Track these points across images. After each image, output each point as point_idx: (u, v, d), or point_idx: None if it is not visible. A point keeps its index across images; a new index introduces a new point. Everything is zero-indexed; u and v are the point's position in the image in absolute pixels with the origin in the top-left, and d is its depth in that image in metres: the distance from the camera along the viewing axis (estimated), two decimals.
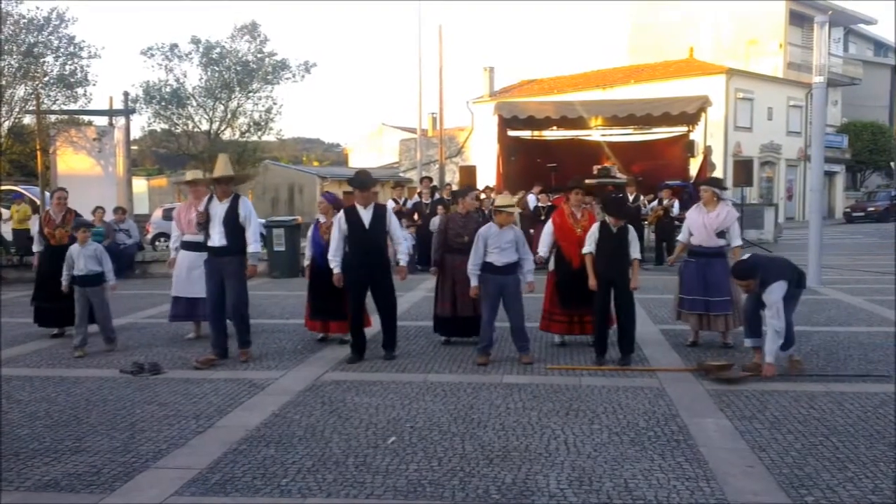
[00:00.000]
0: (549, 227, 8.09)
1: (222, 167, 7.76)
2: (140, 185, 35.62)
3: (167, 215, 24.50)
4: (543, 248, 8.06)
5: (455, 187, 20.89)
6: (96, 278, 8.24)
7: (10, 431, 5.43)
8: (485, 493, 4.27)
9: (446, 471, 4.60)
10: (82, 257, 8.18)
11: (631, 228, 7.51)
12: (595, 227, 7.47)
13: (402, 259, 7.72)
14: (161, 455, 4.93)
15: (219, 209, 7.57)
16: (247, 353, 7.73)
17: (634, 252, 7.41)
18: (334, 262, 7.60)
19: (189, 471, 4.63)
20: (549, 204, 15.59)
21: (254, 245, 7.63)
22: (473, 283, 7.51)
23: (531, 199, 16.49)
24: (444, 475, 4.53)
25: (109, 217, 15.95)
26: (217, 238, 7.54)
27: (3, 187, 21.12)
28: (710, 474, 4.52)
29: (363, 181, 7.63)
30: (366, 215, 7.55)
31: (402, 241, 7.75)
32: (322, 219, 8.56)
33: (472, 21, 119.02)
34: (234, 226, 7.54)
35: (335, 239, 7.61)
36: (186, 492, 4.34)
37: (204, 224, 7.61)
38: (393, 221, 7.71)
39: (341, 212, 7.72)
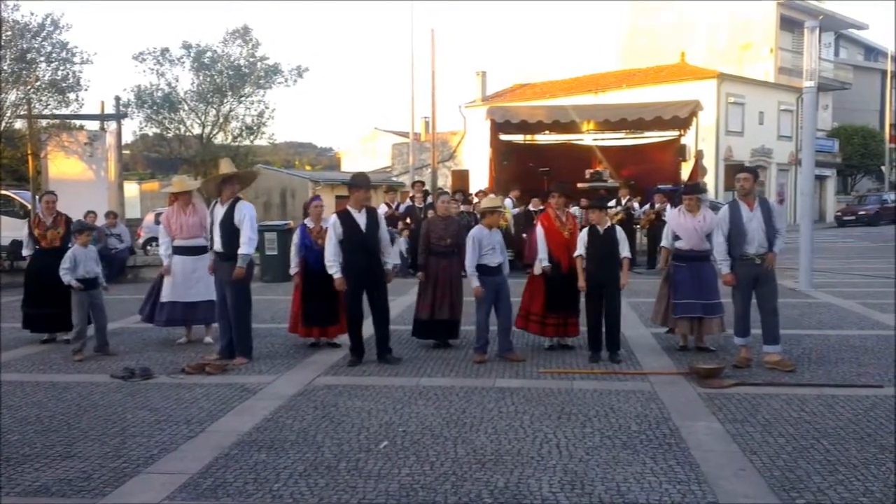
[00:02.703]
0: (540, 233, 8.11)
1: (227, 167, 7.96)
2: (132, 189, 35.45)
3: (159, 220, 24.48)
4: (543, 254, 8.03)
5: (447, 191, 20.90)
6: (97, 281, 8.35)
7: (1, 437, 5.41)
8: (477, 497, 4.27)
9: (438, 475, 4.60)
10: (89, 260, 8.26)
11: (619, 228, 7.80)
12: (585, 232, 7.68)
13: (390, 263, 7.77)
14: (152, 460, 4.91)
15: (218, 213, 7.68)
16: (242, 360, 7.66)
17: (624, 251, 7.63)
18: (334, 267, 7.54)
19: (180, 476, 4.62)
20: (542, 208, 15.61)
21: (242, 247, 7.57)
22: (475, 283, 7.67)
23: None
24: (437, 479, 4.53)
25: (101, 222, 15.89)
26: (217, 243, 7.69)
27: None
28: (701, 477, 4.53)
29: (365, 182, 7.85)
30: (360, 218, 7.60)
31: (389, 245, 7.81)
32: (311, 223, 8.50)
33: (464, 25, 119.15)
34: (230, 230, 7.58)
35: (332, 243, 7.56)
36: (178, 497, 4.33)
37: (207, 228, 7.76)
38: (383, 225, 7.80)
39: (334, 216, 7.70)
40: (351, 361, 7.61)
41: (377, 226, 7.65)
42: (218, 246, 7.69)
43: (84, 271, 8.20)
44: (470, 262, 7.69)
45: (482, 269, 7.66)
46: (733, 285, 7.33)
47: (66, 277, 8.14)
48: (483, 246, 7.66)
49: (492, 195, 10.59)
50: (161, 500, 4.27)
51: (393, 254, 7.86)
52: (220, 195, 7.77)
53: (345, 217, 7.59)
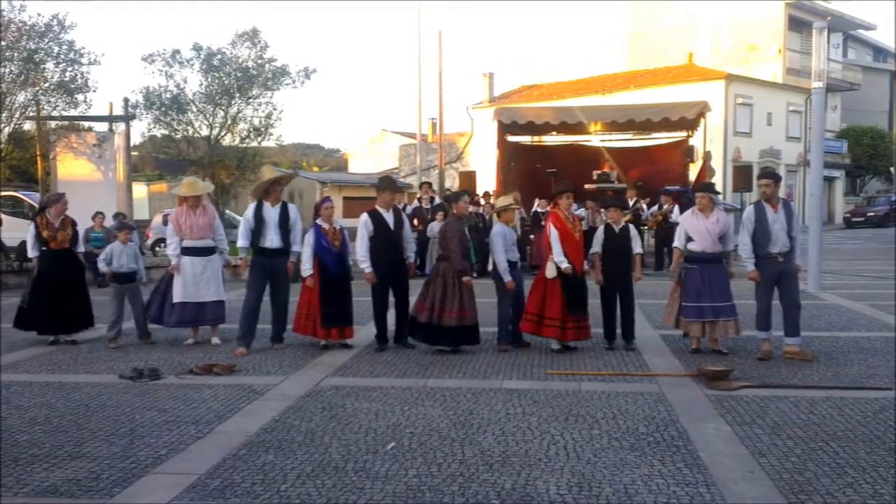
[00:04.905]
0: (555, 234, 7.99)
1: (270, 172, 8.79)
2: (140, 190, 35.64)
3: (167, 220, 24.55)
4: (561, 256, 7.92)
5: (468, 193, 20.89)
6: (133, 275, 8.92)
7: (10, 437, 5.43)
8: (484, 498, 4.26)
9: (446, 476, 4.59)
10: (124, 255, 8.81)
11: (631, 227, 8.23)
12: (600, 230, 8.18)
13: (411, 257, 8.37)
14: (160, 461, 4.93)
15: (272, 214, 8.32)
16: (283, 345, 8.53)
17: (636, 247, 8.13)
18: (366, 262, 8.13)
19: (188, 476, 4.63)
20: (548, 210, 15.58)
21: (297, 245, 8.43)
22: (507, 278, 8.13)
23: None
24: (444, 481, 4.53)
25: (108, 223, 15.93)
26: (274, 240, 8.29)
27: (3, 193, 21.13)
28: (709, 480, 4.51)
29: (390, 184, 8.50)
30: (389, 217, 8.23)
31: (411, 241, 8.49)
32: (326, 225, 8.38)
33: (471, 27, 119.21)
34: (286, 229, 8.33)
35: (363, 241, 8.13)
36: (186, 497, 4.34)
37: (257, 228, 8.28)
38: (407, 224, 8.58)
39: (365, 215, 8.27)
40: (378, 348, 8.27)
41: (402, 224, 8.38)
42: (276, 243, 8.27)
43: (118, 266, 8.78)
44: (501, 258, 8.10)
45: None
46: (757, 282, 7.70)
47: (102, 267, 8.92)
48: (507, 242, 8.15)
49: (503, 195, 10.80)
50: (169, 501, 4.28)
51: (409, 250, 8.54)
52: (267, 197, 8.38)
53: (375, 216, 8.20)
